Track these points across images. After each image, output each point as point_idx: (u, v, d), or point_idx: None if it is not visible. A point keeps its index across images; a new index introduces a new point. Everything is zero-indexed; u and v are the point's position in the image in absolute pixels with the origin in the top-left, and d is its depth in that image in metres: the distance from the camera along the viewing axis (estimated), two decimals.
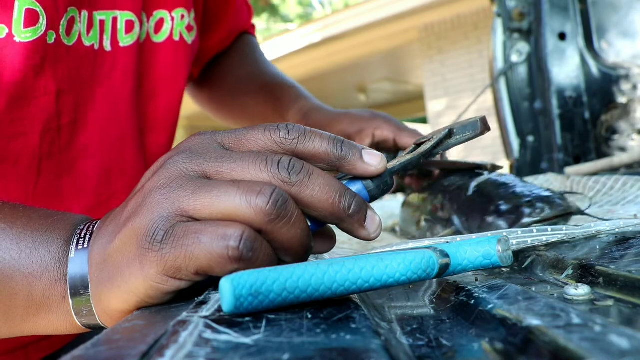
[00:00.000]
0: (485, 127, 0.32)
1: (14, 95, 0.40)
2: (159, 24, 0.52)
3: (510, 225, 0.40)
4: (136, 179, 0.51)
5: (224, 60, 0.74)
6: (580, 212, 0.40)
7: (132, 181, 0.52)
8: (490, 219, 0.42)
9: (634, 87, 0.97)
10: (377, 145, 0.61)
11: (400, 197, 1.62)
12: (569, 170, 0.86)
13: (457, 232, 0.45)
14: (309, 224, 0.28)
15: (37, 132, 0.43)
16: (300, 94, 0.69)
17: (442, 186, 0.51)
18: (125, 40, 0.48)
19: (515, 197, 0.41)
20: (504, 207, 0.41)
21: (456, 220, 0.46)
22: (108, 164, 0.50)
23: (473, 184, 0.46)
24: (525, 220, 0.39)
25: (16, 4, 0.38)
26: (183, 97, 0.58)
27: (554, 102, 1.01)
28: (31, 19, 0.39)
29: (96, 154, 0.48)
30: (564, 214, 0.39)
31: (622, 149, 0.98)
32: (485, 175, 0.47)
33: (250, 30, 0.78)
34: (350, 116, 0.62)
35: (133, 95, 0.50)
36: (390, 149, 0.60)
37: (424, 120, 6.61)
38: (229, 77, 0.73)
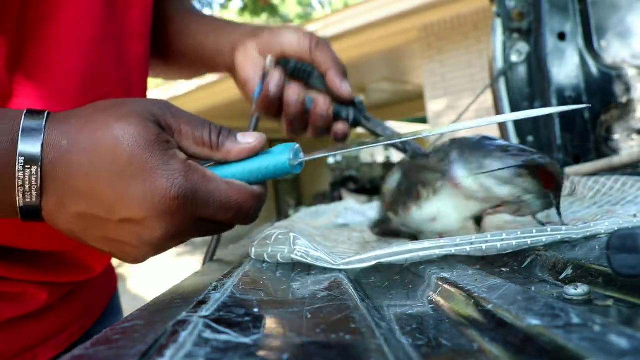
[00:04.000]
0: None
1: None
2: None
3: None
4: (118, 86, 0.51)
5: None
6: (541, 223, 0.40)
7: (115, 88, 0.50)
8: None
9: (634, 87, 0.97)
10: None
11: None
12: (568, 170, 0.86)
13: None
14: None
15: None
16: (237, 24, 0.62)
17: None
18: None
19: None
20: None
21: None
22: (90, 67, 0.47)
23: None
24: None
25: None
26: (153, 6, 0.56)
27: (554, 102, 1.01)
28: None
29: (75, 53, 0.46)
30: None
31: (622, 149, 0.98)
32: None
33: None
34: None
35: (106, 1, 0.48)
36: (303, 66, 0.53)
37: (424, 120, 6.60)
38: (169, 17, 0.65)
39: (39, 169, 0.31)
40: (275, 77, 0.51)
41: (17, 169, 0.30)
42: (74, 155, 0.31)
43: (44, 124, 0.31)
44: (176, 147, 0.34)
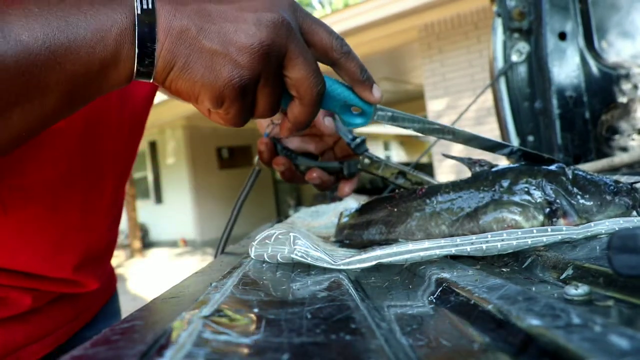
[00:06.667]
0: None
1: None
2: None
3: None
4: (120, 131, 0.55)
5: None
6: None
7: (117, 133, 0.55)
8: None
9: (635, 87, 0.97)
10: None
11: None
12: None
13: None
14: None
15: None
16: None
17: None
18: None
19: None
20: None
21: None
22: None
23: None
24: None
25: None
26: None
27: (554, 101, 1.01)
28: None
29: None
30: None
31: (623, 149, 0.98)
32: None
33: None
34: None
35: None
36: None
37: None
38: None
39: None
40: (264, 149, 0.54)
41: None
42: None
43: None
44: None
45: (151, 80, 0.35)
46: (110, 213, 0.58)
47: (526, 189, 0.42)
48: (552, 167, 0.44)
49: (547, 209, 0.41)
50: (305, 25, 0.37)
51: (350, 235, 0.51)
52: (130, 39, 0.32)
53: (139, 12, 0.32)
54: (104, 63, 0.32)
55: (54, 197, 0.49)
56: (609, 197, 0.41)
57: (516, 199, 0.42)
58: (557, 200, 0.41)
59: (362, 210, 0.52)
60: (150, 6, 0.33)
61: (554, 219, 0.41)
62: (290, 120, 0.39)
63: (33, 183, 0.47)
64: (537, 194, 0.42)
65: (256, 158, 0.56)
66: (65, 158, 0.49)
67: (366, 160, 0.53)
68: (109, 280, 0.66)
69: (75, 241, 0.52)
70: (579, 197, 0.41)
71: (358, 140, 0.53)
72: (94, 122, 0.51)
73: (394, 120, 0.44)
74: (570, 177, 0.42)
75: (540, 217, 0.41)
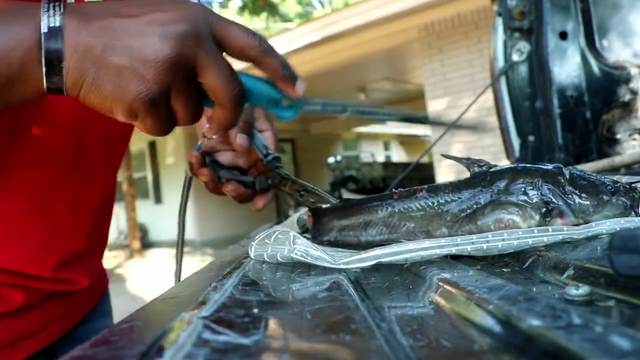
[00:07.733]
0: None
1: None
2: None
3: None
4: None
5: None
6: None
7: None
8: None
9: (636, 87, 0.97)
10: None
11: None
12: None
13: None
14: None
15: None
16: None
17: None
18: None
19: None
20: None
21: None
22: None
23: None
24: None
25: None
26: None
27: (555, 101, 1.01)
28: None
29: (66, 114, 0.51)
30: None
31: (623, 149, 0.98)
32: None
33: None
34: None
35: None
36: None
37: None
38: None
39: None
40: (194, 161, 0.57)
41: None
42: None
43: None
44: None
45: (65, 94, 0.35)
46: (98, 213, 0.59)
47: (523, 189, 0.42)
48: (550, 167, 0.44)
49: (544, 209, 0.41)
50: (219, 29, 0.37)
51: (346, 236, 0.51)
52: (37, 57, 0.33)
53: (46, 30, 0.33)
54: (10, 79, 0.33)
55: (41, 197, 0.49)
56: (606, 197, 0.41)
57: (514, 199, 0.42)
58: (554, 200, 0.41)
59: (358, 211, 0.52)
60: (57, 24, 0.33)
61: (550, 219, 0.41)
62: (215, 122, 0.40)
63: (21, 184, 0.47)
64: (534, 193, 0.42)
65: (187, 167, 0.59)
66: (53, 161, 0.49)
67: (277, 177, 0.57)
68: (100, 279, 0.66)
69: (61, 240, 0.52)
70: (575, 196, 0.41)
71: (270, 157, 0.56)
72: (83, 126, 0.51)
73: (324, 109, 0.44)
74: (568, 177, 0.43)
75: (537, 217, 0.41)
